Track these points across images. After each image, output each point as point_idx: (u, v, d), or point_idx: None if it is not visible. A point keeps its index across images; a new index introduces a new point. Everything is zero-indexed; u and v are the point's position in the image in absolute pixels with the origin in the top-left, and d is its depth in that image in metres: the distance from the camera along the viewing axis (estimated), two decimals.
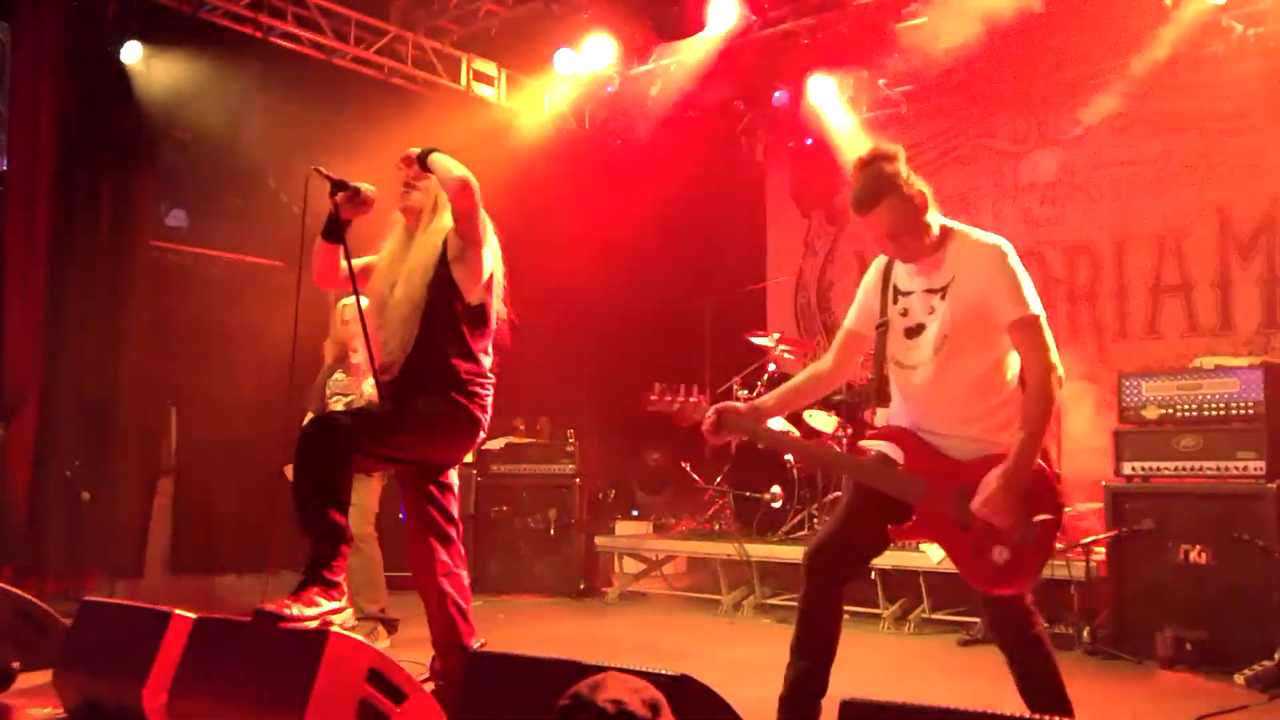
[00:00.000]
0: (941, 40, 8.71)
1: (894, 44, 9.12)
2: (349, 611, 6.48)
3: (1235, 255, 8.52)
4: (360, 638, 3.88)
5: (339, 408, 6.69)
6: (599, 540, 9.57)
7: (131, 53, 8.35)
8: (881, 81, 10.20)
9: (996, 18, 8.39)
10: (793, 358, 9.57)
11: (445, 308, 4.51)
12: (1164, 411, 6.69)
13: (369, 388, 6.50)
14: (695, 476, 9.71)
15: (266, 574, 8.62)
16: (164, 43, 8.56)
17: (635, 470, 11.03)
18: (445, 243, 4.53)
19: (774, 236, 11.57)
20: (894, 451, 4.03)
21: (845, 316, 4.26)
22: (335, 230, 4.57)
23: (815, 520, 8.59)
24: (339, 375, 7.01)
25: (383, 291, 4.62)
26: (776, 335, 9.56)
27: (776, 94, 10.41)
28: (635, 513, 10.39)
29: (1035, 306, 3.81)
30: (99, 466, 8.53)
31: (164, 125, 8.77)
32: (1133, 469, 6.76)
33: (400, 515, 4.79)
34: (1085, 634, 6.65)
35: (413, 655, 5.06)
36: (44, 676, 4.78)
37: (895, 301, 4.05)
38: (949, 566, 3.84)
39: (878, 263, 4.18)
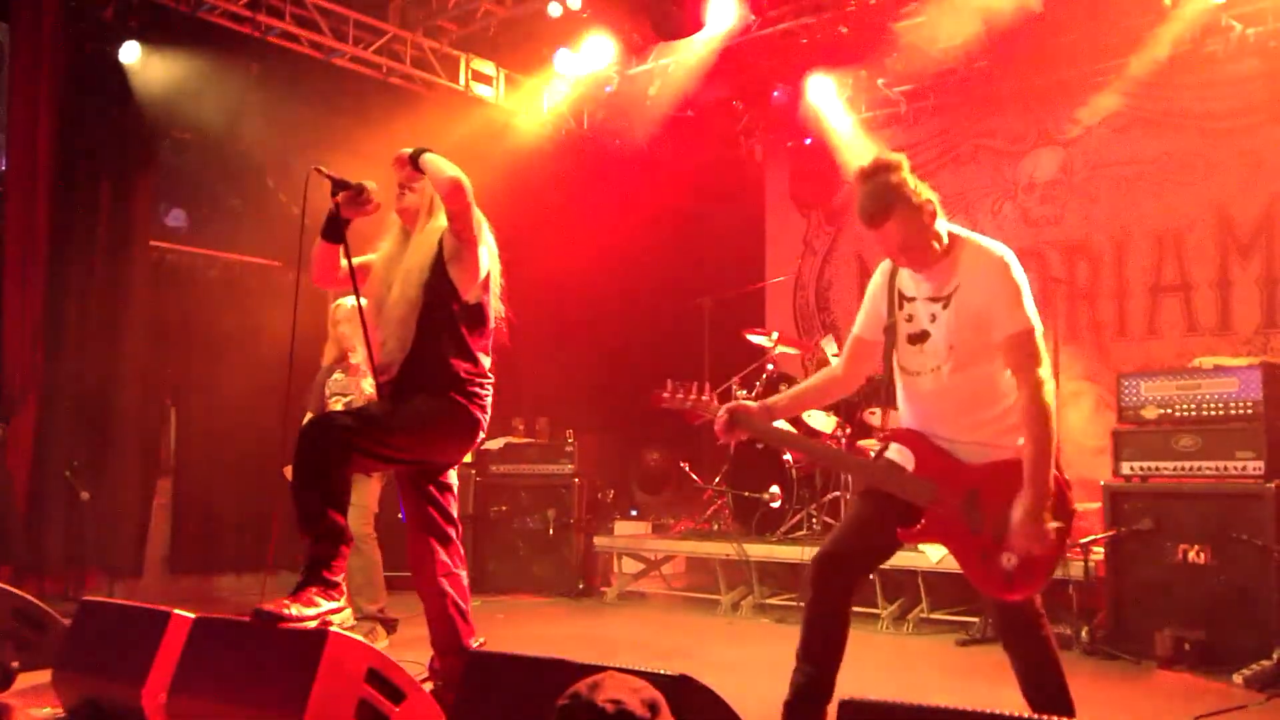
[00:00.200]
0: (940, 40, 8.72)
1: (893, 44, 9.12)
2: (348, 611, 6.49)
3: (1234, 255, 8.52)
4: (359, 638, 3.87)
5: (338, 408, 6.68)
6: (598, 540, 9.57)
7: (130, 53, 8.34)
8: (880, 81, 10.20)
9: (995, 17, 8.40)
10: (793, 355, 9.57)
11: (443, 308, 4.51)
12: (1163, 411, 6.69)
13: (368, 387, 6.50)
14: (694, 476, 9.71)
15: (265, 574, 8.63)
16: (162, 43, 8.55)
17: (634, 470, 11.03)
18: (441, 243, 4.53)
19: (773, 236, 11.57)
20: (905, 454, 4.03)
21: (843, 316, 4.27)
22: (335, 229, 4.57)
23: (814, 520, 8.59)
24: (338, 375, 7.01)
25: (380, 292, 4.62)
26: (775, 334, 9.55)
27: (775, 94, 10.40)
28: (634, 513, 10.40)
29: (1030, 321, 3.81)
30: (98, 466, 8.53)
31: (162, 125, 8.76)
32: (1131, 469, 6.76)
33: (400, 515, 4.78)
34: (1084, 634, 6.65)
35: (412, 655, 5.06)
36: (43, 676, 4.77)
37: (900, 307, 4.05)
38: (948, 566, 3.85)
39: (883, 267, 4.18)
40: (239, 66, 8.91)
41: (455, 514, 4.72)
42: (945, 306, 3.91)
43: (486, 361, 4.64)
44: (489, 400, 4.63)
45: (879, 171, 3.87)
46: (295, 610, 3.92)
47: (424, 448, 4.54)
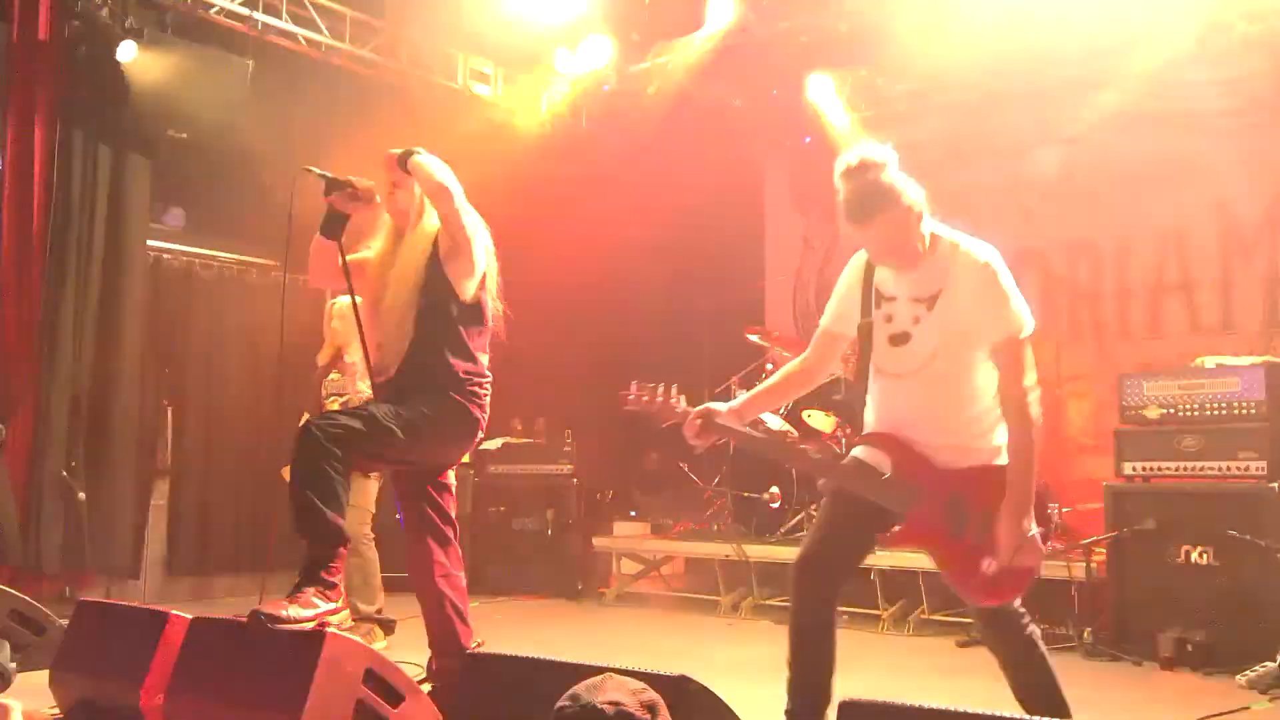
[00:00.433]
0: (941, 37, 8.69)
1: (893, 41, 9.09)
2: (345, 612, 6.46)
3: (1238, 254, 8.50)
4: (357, 639, 3.85)
5: (334, 407, 6.66)
6: (597, 541, 9.55)
7: (126, 52, 8.31)
8: (880, 80, 10.18)
9: (996, 14, 8.37)
10: (791, 356, 9.55)
11: (441, 308, 4.49)
12: (1165, 411, 6.67)
13: (364, 388, 6.48)
14: (693, 477, 9.70)
15: (263, 575, 8.60)
16: (159, 41, 8.52)
17: (633, 471, 11.03)
18: (436, 242, 4.51)
19: (772, 235, 11.55)
20: (879, 457, 3.96)
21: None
22: (335, 226, 4.54)
23: (814, 521, 8.57)
24: (334, 375, 6.99)
25: (375, 292, 4.60)
26: (776, 334, 9.54)
27: (775, 91, 10.38)
28: (633, 513, 10.39)
29: (1018, 325, 3.77)
30: (96, 467, 8.51)
31: (159, 124, 8.73)
32: (1134, 469, 6.75)
33: (397, 516, 4.76)
34: (1086, 635, 6.63)
35: (410, 656, 5.04)
36: (41, 677, 4.75)
37: (879, 306, 3.97)
38: None
39: (858, 261, 4.08)
40: (236, 65, 8.87)
41: (453, 515, 4.70)
42: (930, 309, 3.84)
43: (485, 360, 4.62)
44: (488, 400, 4.61)
45: (866, 168, 3.76)
46: (293, 611, 3.90)
47: (424, 448, 4.52)
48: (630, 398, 4.22)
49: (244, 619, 3.91)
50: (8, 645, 5.11)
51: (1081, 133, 9.17)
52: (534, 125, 10.82)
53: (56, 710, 4.61)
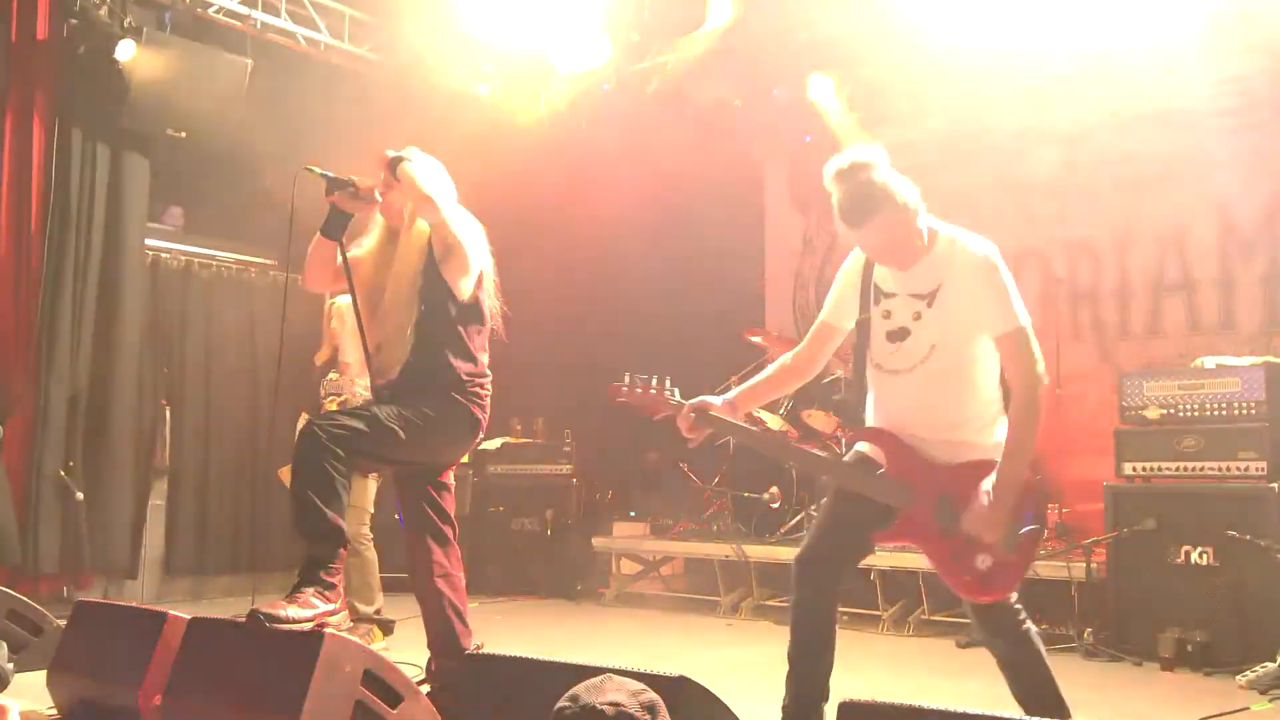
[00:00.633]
0: (941, 36, 8.68)
1: (893, 41, 9.08)
2: (344, 613, 6.45)
3: (1238, 253, 8.48)
4: (356, 639, 3.85)
5: (333, 408, 6.65)
6: (596, 541, 9.53)
7: (125, 50, 8.30)
8: (880, 80, 10.15)
9: (996, 12, 8.36)
10: None
11: (440, 309, 4.47)
12: (1165, 411, 6.66)
13: (361, 388, 6.46)
14: (693, 477, 9.69)
15: (261, 575, 8.61)
16: (158, 40, 8.51)
17: (633, 471, 11.01)
18: (430, 243, 4.49)
19: (772, 234, 11.53)
20: (876, 454, 3.98)
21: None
22: (337, 225, 4.52)
23: (814, 521, 8.56)
24: (332, 375, 6.98)
25: (371, 292, 4.58)
26: (776, 335, 9.53)
27: (775, 91, 10.37)
28: (633, 514, 10.37)
29: (1023, 318, 3.77)
30: (94, 467, 8.50)
31: (158, 123, 8.72)
32: (1134, 469, 6.74)
33: (397, 516, 4.76)
34: (1086, 635, 6.63)
35: (409, 657, 5.03)
36: (39, 677, 4.75)
37: (877, 302, 3.97)
38: None
39: (856, 255, 4.08)
40: (234, 64, 8.87)
41: (453, 515, 4.69)
42: (930, 305, 3.84)
43: (485, 359, 4.61)
44: (489, 400, 4.61)
45: (857, 170, 3.77)
46: (292, 611, 3.90)
47: (425, 449, 4.51)
48: (623, 390, 4.20)
49: (242, 619, 3.90)
50: (5, 645, 5.11)
51: (1081, 133, 9.16)
52: (533, 124, 10.81)
53: (54, 710, 4.62)
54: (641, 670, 3.14)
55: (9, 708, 4.30)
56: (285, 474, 6.73)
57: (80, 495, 8.27)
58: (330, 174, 4.48)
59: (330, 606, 4.06)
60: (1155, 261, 8.88)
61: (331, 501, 4.11)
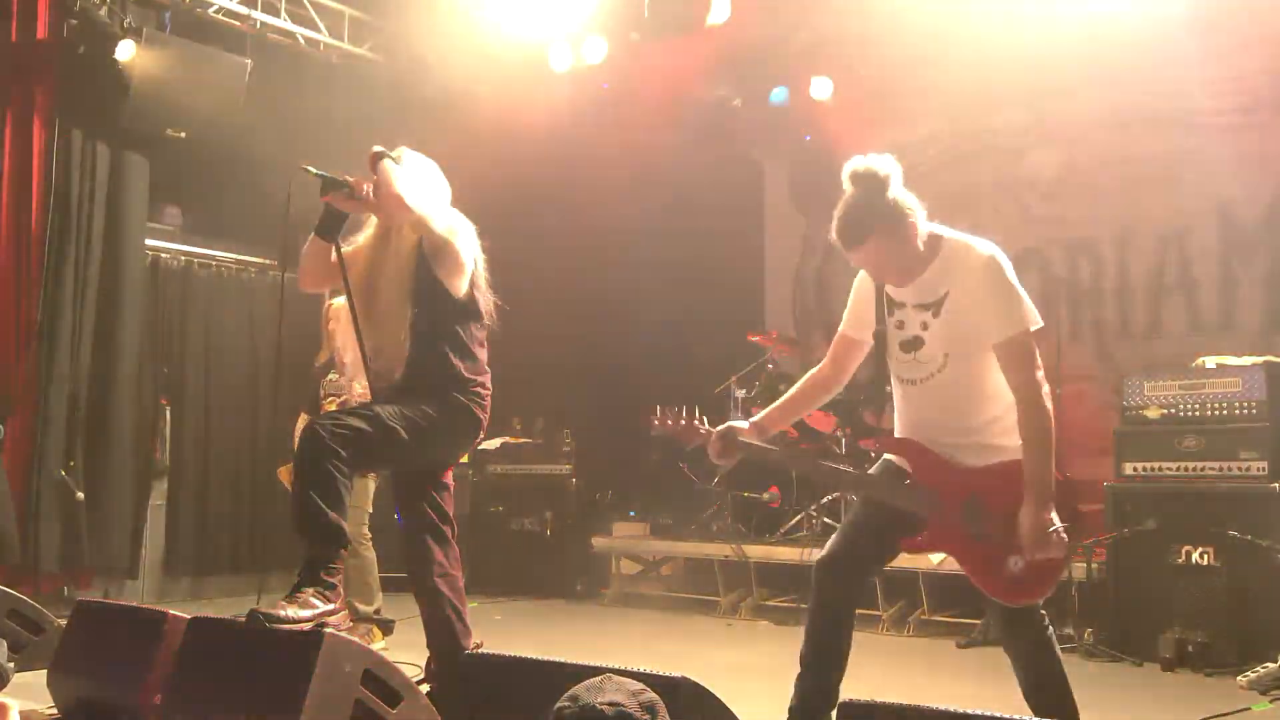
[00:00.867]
0: (942, 35, 8.67)
1: (894, 39, 9.08)
2: (344, 613, 6.44)
3: (1238, 253, 8.48)
4: (355, 639, 3.84)
5: (332, 408, 6.64)
6: (596, 541, 9.53)
7: (125, 50, 8.30)
8: (880, 79, 10.15)
9: (997, 11, 8.36)
10: (791, 357, 9.54)
11: (435, 307, 4.45)
12: (1166, 411, 6.66)
13: (360, 388, 6.45)
14: (693, 477, 9.68)
15: (261, 575, 8.61)
16: (157, 40, 8.51)
17: (633, 471, 11.00)
18: (421, 242, 4.47)
19: (772, 235, 11.53)
20: (902, 464, 3.99)
21: (842, 316, 4.20)
22: (331, 226, 4.50)
23: (813, 521, 8.56)
24: (331, 375, 6.97)
25: (366, 293, 4.55)
26: (776, 335, 9.53)
27: (774, 91, 10.37)
28: (632, 514, 10.36)
29: (1025, 322, 3.75)
30: (94, 467, 8.51)
31: (158, 123, 8.72)
32: (1134, 469, 6.73)
33: (396, 516, 4.75)
34: (1086, 636, 6.62)
35: (409, 657, 5.03)
36: (39, 677, 4.75)
37: (891, 313, 3.97)
38: (949, 569, 3.83)
39: None
40: (234, 64, 8.87)
41: (452, 514, 4.69)
42: (936, 314, 3.84)
43: (484, 355, 4.60)
44: (489, 399, 4.59)
45: (866, 182, 3.77)
46: (291, 612, 3.89)
47: (427, 449, 4.50)
48: (656, 424, 4.33)
49: (242, 619, 3.89)
50: (5, 645, 5.10)
51: (1081, 133, 9.16)
52: (533, 124, 10.80)
53: (54, 710, 4.61)
54: (641, 670, 3.14)
55: (9, 707, 4.29)
56: (285, 474, 6.75)
57: (80, 495, 8.27)
58: (325, 173, 4.45)
59: (330, 606, 4.05)
60: (1155, 261, 8.88)
61: (333, 502, 4.10)
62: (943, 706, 2.87)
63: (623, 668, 3.11)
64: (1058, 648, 3.95)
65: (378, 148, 4.46)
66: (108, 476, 8.59)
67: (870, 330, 4.05)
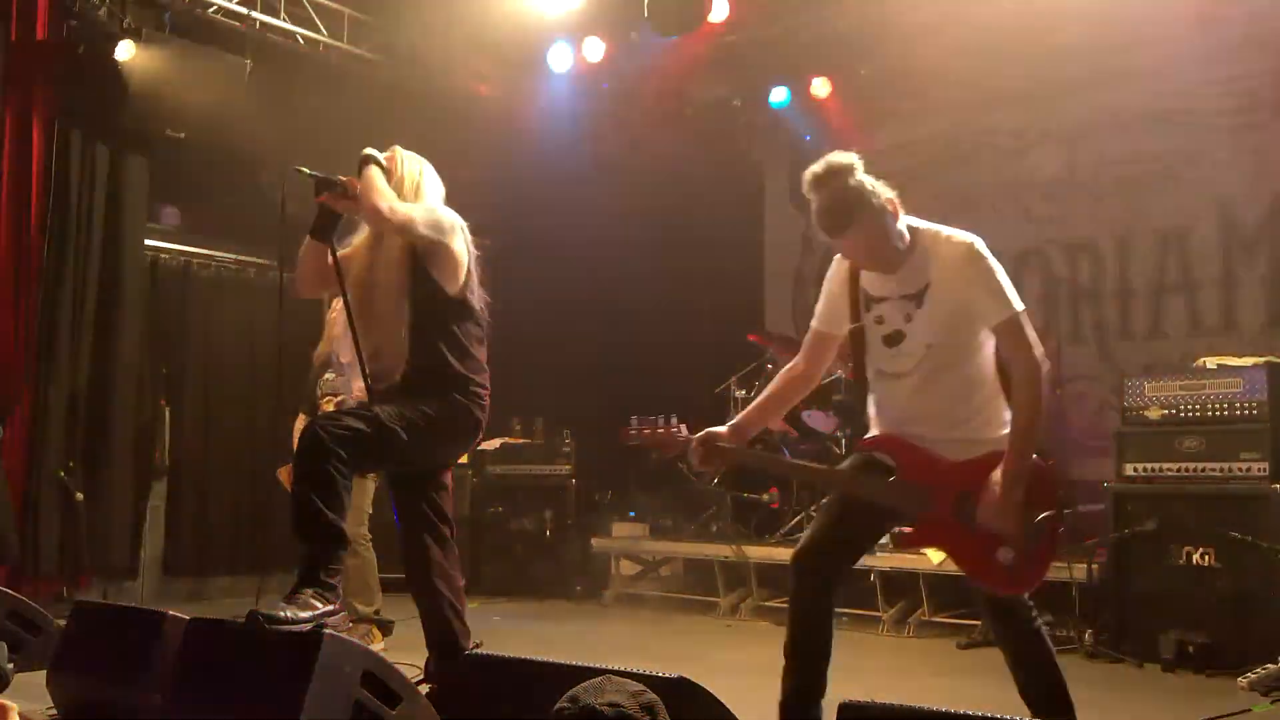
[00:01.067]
0: (942, 35, 8.67)
1: (893, 41, 9.07)
2: (343, 614, 6.43)
3: (1239, 253, 8.48)
4: (355, 640, 3.83)
5: (330, 408, 6.63)
6: (595, 542, 9.52)
7: (124, 50, 8.29)
8: (880, 79, 10.15)
9: (998, 11, 8.35)
10: (789, 357, 9.52)
11: (431, 308, 4.45)
12: (1167, 412, 6.64)
13: (357, 389, 6.44)
14: (693, 478, 9.67)
15: (260, 576, 8.59)
16: (157, 40, 8.51)
17: (632, 471, 10.99)
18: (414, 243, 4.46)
19: (772, 235, 11.52)
20: (885, 459, 3.97)
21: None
22: (326, 228, 4.49)
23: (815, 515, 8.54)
24: (329, 375, 6.96)
25: (361, 293, 4.54)
26: (775, 335, 9.51)
27: (774, 91, 10.36)
28: (632, 514, 10.35)
29: (1016, 303, 3.77)
30: (93, 468, 8.50)
31: (157, 124, 8.71)
32: (1135, 470, 6.72)
33: (394, 517, 4.74)
34: (1087, 636, 6.61)
35: (408, 658, 5.02)
36: (38, 677, 4.74)
37: (869, 309, 3.96)
38: (949, 569, 3.83)
39: (841, 260, 4.09)
40: (234, 65, 8.86)
41: (450, 515, 4.68)
42: (920, 305, 3.83)
43: (483, 354, 4.59)
44: (488, 399, 4.59)
45: (834, 175, 3.76)
46: (291, 612, 3.88)
47: (427, 450, 4.50)
48: (631, 433, 4.25)
49: (242, 620, 3.89)
50: (5, 646, 5.09)
51: (1081, 133, 9.16)
52: (532, 124, 10.80)
53: (54, 711, 4.61)
54: (641, 671, 3.13)
55: (11, 708, 4.29)
56: (284, 474, 6.74)
57: (80, 495, 8.26)
58: (319, 174, 4.44)
59: (330, 607, 4.04)
60: (1156, 262, 8.88)
61: (333, 503, 4.10)
62: (943, 707, 2.87)
63: (622, 668, 3.11)
64: (1048, 639, 3.97)
65: (367, 150, 4.45)
66: (107, 477, 8.58)
67: (843, 324, 4.04)
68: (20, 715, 4.25)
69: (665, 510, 10.28)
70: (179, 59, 8.55)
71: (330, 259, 4.49)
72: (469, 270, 4.55)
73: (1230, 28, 8.27)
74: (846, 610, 7.48)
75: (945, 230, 3.87)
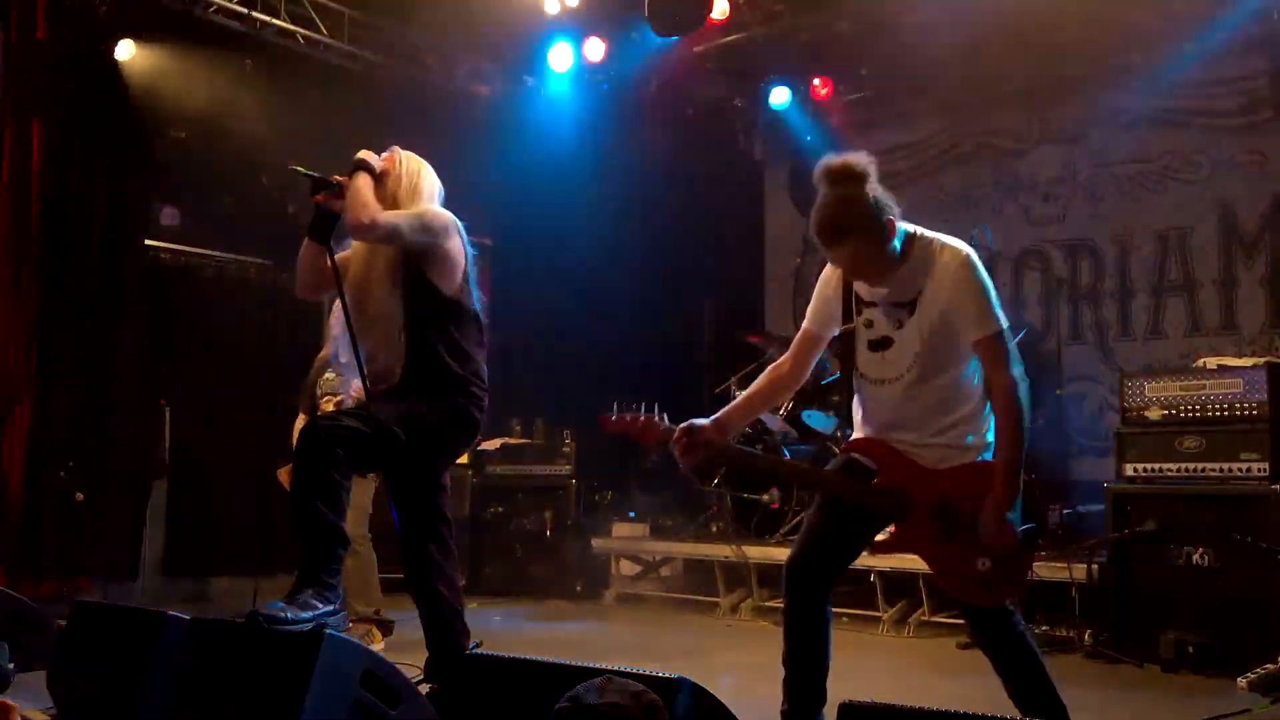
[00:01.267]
0: (942, 35, 8.67)
1: (894, 39, 9.07)
2: (343, 614, 6.43)
3: (1239, 254, 8.49)
4: (355, 640, 3.83)
5: (330, 408, 6.64)
6: (596, 542, 9.52)
7: (124, 50, 8.29)
8: (880, 80, 10.15)
9: (998, 11, 8.35)
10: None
11: (427, 309, 4.44)
12: (1167, 412, 6.64)
13: (356, 389, 6.45)
14: (693, 477, 9.66)
15: (260, 576, 8.59)
16: (157, 40, 8.51)
17: (632, 471, 10.99)
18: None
19: (772, 236, 11.53)
20: (868, 464, 3.96)
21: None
22: (323, 228, 4.48)
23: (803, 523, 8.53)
24: (328, 375, 6.96)
25: (358, 296, 4.54)
26: (775, 336, 9.51)
27: (774, 91, 10.36)
28: (632, 514, 10.35)
29: (1000, 322, 3.77)
30: (93, 468, 8.49)
31: (157, 124, 8.72)
32: (1135, 470, 6.71)
33: (394, 517, 4.74)
34: (1087, 637, 6.60)
35: (408, 658, 5.02)
36: (38, 678, 4.74)
37: (859, 312, 3.95)
38: None
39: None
40: (234, 64, 8.87)
41: (449, 515, 4.68)
42: (911, 313, 3.83)
43: (481, 355, 4.59)
44: (486, 399, 4.59)
45: (849, 179, 3.73)
46: (291, 612, 3.89)
47: (426, 450, 4.50)
48: (611, 420, 4.17)
49: (242, 620, 3.89)
50: (5, 646, 5.09)
51: (1081, 133, 9.16)
52: (532, 124, 10.80)
53: (54, 711, 4.60)
54: (641, 671, 3.13)
55: (14, 708, 4.29)
56: (284, 474, 6.74)
57: (80, 496, 8.25)
58: (314, 173, 4.43)
59: (329, 607, 4.05)
60: (1156, 262, 8.89)
61: (332, 503, 4.10)
62: (942, 707, 2.86)
63: (622, 668, 3.11)
64: (1032, 641, 3.96)
65: (360, 155, 4.44)
66: (108, 477, 8.57)
67: (833, 326, 4.03)
68: (21, 715, 4.25)
69: (665, 510, 10.28)
70: (179, 59, 8.55)
71: (327, 260, 4.48)
72: (466, 271, 4.55)
73: (1230, 28, 8.27)
74: (846, 610, 7.48)
75: (942, 239, 3.86)
